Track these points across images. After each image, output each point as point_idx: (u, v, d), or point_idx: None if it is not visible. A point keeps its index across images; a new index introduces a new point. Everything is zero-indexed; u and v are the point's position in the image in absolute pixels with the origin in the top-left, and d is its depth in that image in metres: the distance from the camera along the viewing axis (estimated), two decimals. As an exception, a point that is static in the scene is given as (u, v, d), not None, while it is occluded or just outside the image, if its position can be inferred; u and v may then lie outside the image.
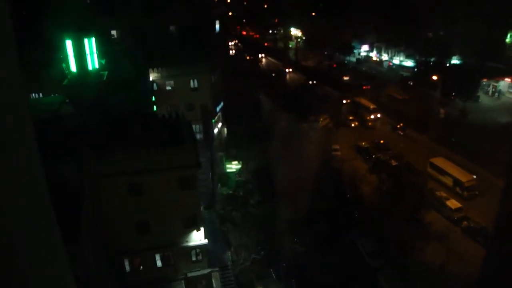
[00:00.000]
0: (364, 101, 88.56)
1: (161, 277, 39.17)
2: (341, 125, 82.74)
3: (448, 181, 59.32)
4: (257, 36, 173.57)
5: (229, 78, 79.19)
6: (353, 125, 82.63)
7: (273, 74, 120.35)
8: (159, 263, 39.07)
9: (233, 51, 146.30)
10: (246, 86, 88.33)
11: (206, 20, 69.36)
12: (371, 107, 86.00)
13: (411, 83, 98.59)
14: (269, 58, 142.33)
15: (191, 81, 61.21)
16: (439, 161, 62.73)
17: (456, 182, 58.20)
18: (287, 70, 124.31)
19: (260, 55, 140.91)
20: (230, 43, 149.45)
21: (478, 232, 49.54)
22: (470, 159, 63.76)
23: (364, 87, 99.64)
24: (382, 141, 73.06)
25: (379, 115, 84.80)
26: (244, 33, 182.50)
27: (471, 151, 64.24)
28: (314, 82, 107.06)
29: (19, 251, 3.38)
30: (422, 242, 45.78)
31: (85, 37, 42.00)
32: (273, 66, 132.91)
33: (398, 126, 79.45)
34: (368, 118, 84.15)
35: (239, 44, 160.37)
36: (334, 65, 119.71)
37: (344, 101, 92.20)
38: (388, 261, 47.08)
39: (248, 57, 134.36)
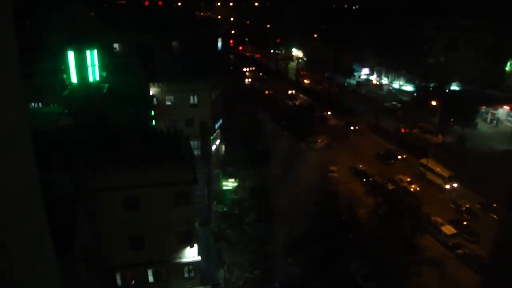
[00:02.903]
0: (436, 166, 69.12)
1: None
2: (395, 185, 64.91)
3: None
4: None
5: (230, 96, 79.37)
6: (412, 189, 64.26)
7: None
8: (151, 279, 38.67)
9: (249, 80, 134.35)
10: (247, 105, 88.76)
11: (209, 38, 69.82)
12: (447, 175, 66.67)
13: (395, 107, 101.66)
14: (301, 95, 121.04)
15: (191, 97, 61.40)
16: None
17: None
18: (325, 112, 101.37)
19: (290, 92, 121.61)
20: (245, 69, 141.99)
21: (473, 259, 49.32)
22: (468, 186, 63.90)
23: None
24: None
25: (455, 185, 65.99)
26: (264, 60, 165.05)
27: (469, 178, 64.22)
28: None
29: (12, 262, 3.33)
30: (416, 266, 45.52)
31: (87, 49, 42.22)
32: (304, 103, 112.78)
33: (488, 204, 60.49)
34: (445, 189, 66.09)
35: (260, 74, 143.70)
36: (336, 89, 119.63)
37: (400, 156, 77.62)
38: (382, 285, 46.71)
39: (267, 92, 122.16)
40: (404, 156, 77.36)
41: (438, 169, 68.02)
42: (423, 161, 70.81)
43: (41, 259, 3.95)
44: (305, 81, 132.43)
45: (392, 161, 76.09)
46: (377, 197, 55.78)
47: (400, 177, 68.54)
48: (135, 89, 49.78)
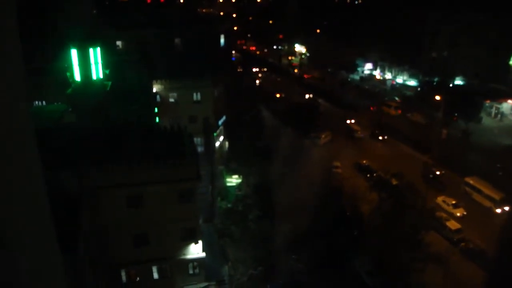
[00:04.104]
0: (484, 187, 60.61)
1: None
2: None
3: None
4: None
5: (234, 93, 79.27)
6: (459, 214, 57.39)
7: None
8: (155, 275, 38.74)
9: (260, 81, 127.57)
10: (249, 102, 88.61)
11: (211, 34, 69.83)
12: (498, 197, 58.26)
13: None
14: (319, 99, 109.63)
15: (194, 94, 61.43)
16: None
17: None
18: (349, 120, 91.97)
19: (308, 95, 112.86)
20: (254, 70, 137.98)
21: (478, 254, 49.23)
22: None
23: (372, 108, 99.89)
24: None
25: (507, 208, 57.70)
26: (266, 56, 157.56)
27: (474, 173, 63.94)
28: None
29: (16, 261, 3.34)
30: (421, 262, 45.43)
31: (91, 47, 42.14)
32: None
33: None
34: (495, 213, 57.78)
35: (279, 79, 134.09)
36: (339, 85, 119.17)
37: (438, 172, 67.41)
38: (386, 281, 46.68)
39: (279, 95, 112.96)
40: (443, 172, 67.74)
41: (487, 190, 59.68)
42: (468, 179, 62.79)
43: (45, 258, 3.95)
44: (309, 77, 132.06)
45: (436, 181, 65.00)
46: (380, 192, 55.73)
47: (444, 199, 60.41)
48: (139, 87, 49.78)
